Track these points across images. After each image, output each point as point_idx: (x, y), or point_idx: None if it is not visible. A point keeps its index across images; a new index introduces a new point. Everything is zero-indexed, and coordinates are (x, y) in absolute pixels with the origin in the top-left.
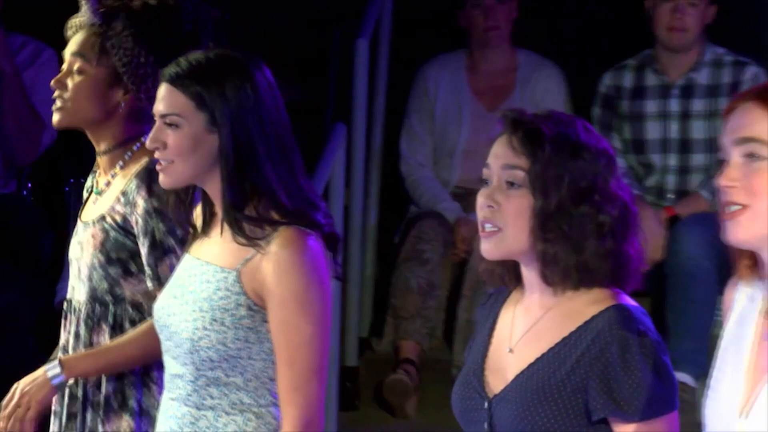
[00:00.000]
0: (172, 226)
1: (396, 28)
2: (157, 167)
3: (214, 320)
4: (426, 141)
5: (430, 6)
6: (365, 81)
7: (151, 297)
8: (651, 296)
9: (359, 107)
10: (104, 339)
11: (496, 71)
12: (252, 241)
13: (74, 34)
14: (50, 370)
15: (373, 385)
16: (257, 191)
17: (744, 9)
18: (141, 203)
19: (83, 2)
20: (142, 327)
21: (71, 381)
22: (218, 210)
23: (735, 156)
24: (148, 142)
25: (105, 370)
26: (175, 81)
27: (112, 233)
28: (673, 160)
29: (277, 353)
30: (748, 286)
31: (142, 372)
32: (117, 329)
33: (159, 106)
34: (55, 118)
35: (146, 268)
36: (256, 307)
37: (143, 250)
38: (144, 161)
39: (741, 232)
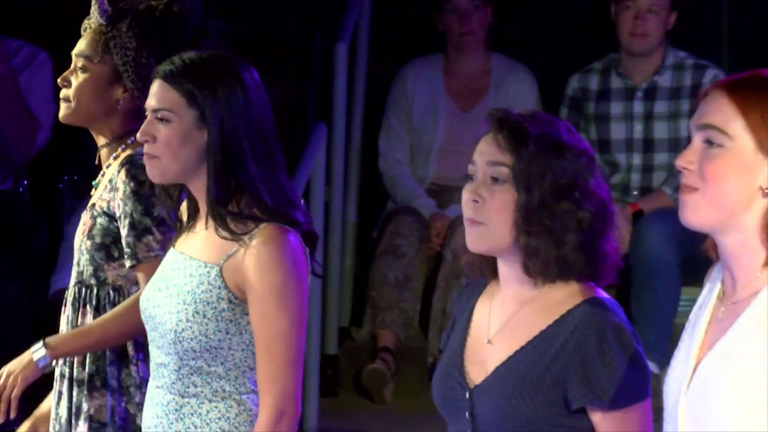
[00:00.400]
0: (149, 207)
1: (374, 31)
2: (145, 159)
3: (197, 312)
4: (404, 139)
5: (407, 11)
6: (344, 83)
7: (131, 280)
8: (616, 287)
9: (339, 108)
10: (88, 320)
11: (470, 74)
12: (234, 236)
13: (83, 35)
14: (36, 351)
15: (352, 373)
16: (241, 188)
17: (704, 15)
18: (121, 187)
19: (93, 5)
20: (123, 304)
21: (61, 361)
22: (202, 206)
23: (696, 140)
24: (138, 135)
25: (90, 348)
26: (169, 78)
27: (99, 219)
28: (637, 159)
29: (256, 344)
30: (716, 272)
31: (120, 352)
32: (100, 311)
33: (151, 101)
34: (61, 113)
35: (125, 248)
36: (237, 301)
37: (123, 231)
38: (128, 153)
39: (689, 212)
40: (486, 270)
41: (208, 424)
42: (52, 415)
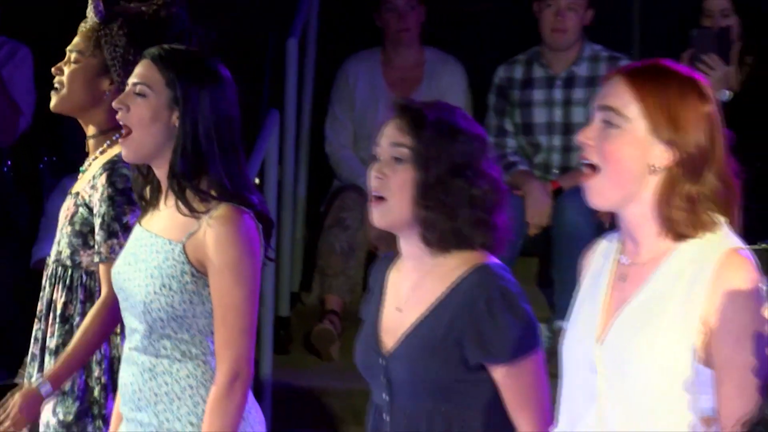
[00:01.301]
0: (121, 214)
1: (321, 28)
2: (120, 141)
3: (163, 286)
4: (347, 125)
5: (350, 9)
6: (295, 74)
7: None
8: (539, 256)
9: (290, 96)
10: (59, 297)
11: (406, 66)
12: (194, 213)
13: (79, 33)
14: (37, 382)
15: (302, 333)
16: (204, 170)
17: (617, 12)
18: (100, 188)
19: (90, 5)
20: (88, 319)
21: (36, 325)
22: (164, 185)
23: (596, 119)
24: (114, 102)
25: (82, 362)
26: (154, 59)
27: (80, 209)
28: (557, 141)
29: (214, 314)
30: (604, 246)
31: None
32: (72, 290)
33: (133, 78)
34: (52, 102)
35: (96, 244)
36: (199, 274)
37: (96, 228)
38: (114, 152)
39: (594, 196)
40: (391, 243)
41: (178, 381)
42: (26, 374)
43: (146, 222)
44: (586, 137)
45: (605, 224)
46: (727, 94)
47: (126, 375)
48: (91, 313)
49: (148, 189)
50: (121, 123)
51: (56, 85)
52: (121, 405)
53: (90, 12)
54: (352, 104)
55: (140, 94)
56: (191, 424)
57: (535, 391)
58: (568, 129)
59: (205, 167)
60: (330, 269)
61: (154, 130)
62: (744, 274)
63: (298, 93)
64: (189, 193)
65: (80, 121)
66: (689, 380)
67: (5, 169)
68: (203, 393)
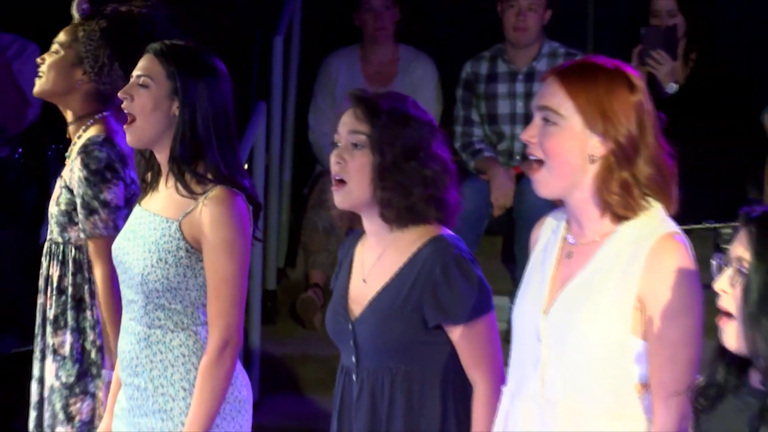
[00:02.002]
0: (98, 192)
1: (305, 27)
2: (124, 127)
3: (160, 260)
4: (328, 115)
5: (332, 9)
6: (280, 68)
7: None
8: (503, 235)
9: (276, 89)
10: (54, 271)
11: (382, 62)
12: (191, 194)
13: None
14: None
15: (288, 305)
16: (201, 155)
17: (573, 12)
18: (77, 171)
19: (73, 3)
20: (102, 293)
21: (39, 300)
22: (165, 168)
23: (537, 118)
24: (120, 93)
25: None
26: (157, 53)
27: (64, 190)
28: (519, 130)
29: (207, 287)
30: (553, 222)
31: (78, 298)
32: (65, 264)
33: (136, 70)
34: (35, 88)
35: (79, 222)
36: (193, 250)
37: (78, 208)
38: (86, 137)
39: (540, 187)
40: (354, 222)
41: (171, 350)
42: (35, 344)
43: (145, 203)
44: (529, 135)
45: (560, 206)
46: (674, 87)
47: (124, 343)
48: (103, 289)
49: (150, 173)
50: (126, 111)
51: (39, 74)
52: (120, 371)
53: (73, 8)
54: (333, 96)
55: (143, 85)
56: (183, 389)
57: (489, 350)
58: (529, 119)
59: (202, 152)
60: (313, 246)
61: (156, 118)
62: (675, 257)
63: (284, 86)
64: (187, 176)
65: (60, 107)
66: (625, 351)
67: (16, 155)
68: (194, 361)
